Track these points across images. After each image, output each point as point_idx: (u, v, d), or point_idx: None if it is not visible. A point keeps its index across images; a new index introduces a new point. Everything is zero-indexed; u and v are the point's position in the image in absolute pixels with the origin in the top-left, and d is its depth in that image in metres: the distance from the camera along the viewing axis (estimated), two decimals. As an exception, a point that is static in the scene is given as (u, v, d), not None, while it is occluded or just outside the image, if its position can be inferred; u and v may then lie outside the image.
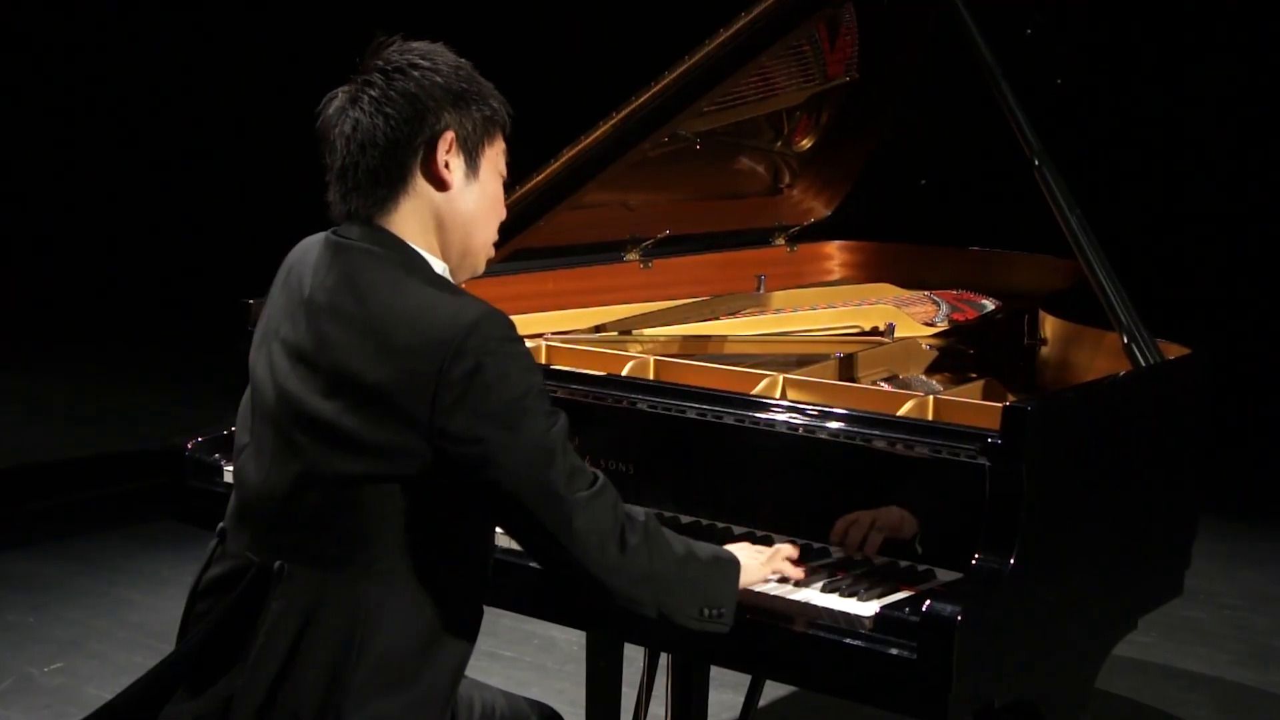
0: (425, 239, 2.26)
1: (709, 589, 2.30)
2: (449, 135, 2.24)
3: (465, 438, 2.11)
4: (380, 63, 2.25)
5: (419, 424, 2.11)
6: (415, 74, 2.24)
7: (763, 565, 2.43)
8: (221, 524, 2.34)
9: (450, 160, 2.25)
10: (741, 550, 2.41)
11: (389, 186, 2.24)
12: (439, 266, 2.28)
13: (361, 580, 2.17)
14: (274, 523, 2.22)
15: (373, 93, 2.23)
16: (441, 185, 2.25)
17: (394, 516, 2.16)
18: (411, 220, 2.25)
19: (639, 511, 2.26)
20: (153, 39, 9.96)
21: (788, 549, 2.49)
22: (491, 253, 2.37)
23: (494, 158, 2.31)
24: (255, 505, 2.25)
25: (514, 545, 2.58)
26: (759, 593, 2.41)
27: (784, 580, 2.44)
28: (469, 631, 2.28)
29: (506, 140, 2.34)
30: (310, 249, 2.31)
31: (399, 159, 2.23)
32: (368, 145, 2.22)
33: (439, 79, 2.25)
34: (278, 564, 2.19)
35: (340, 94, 2.27)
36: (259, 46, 9.62)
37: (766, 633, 2.38)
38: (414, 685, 2.20)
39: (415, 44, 2.28)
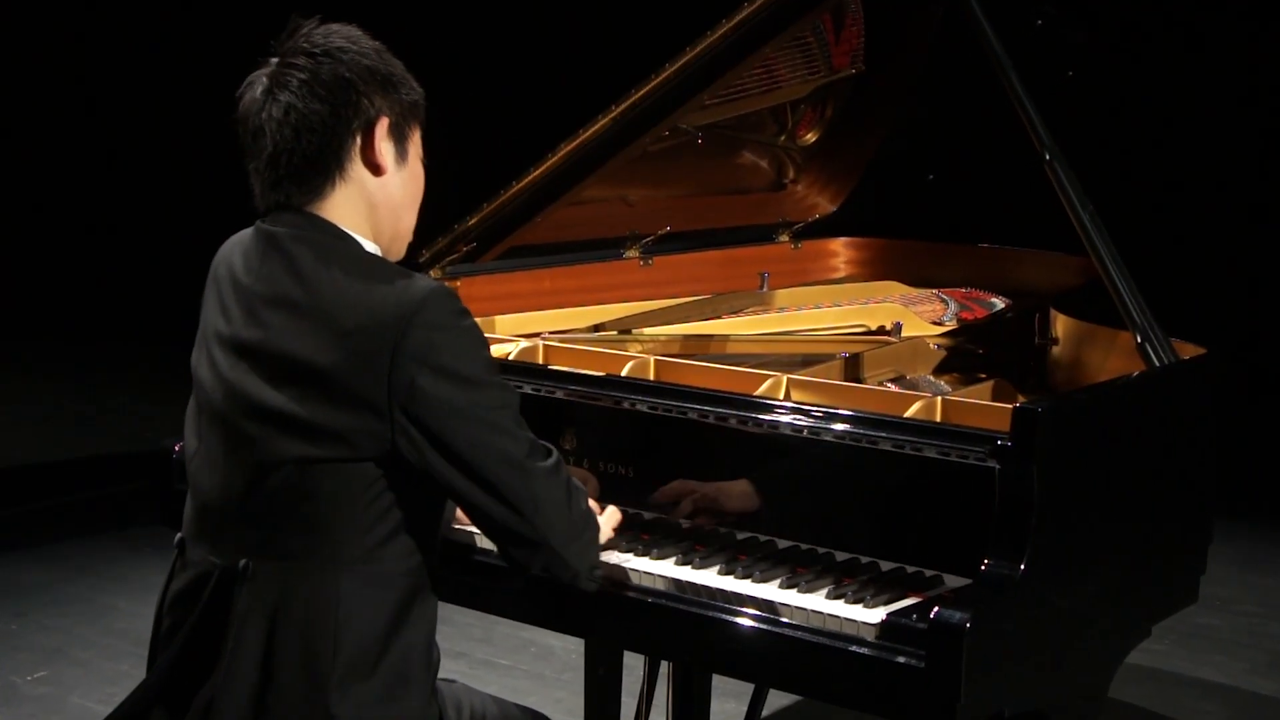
0: (357, 224, 2.30)
1: (596, 550, 2.39)
2: (384, 120, 2.29)
3: (424, 415, 2.17)
4: (305, 45, 2.27)
5: (376, 405, 2.16)
6: (344, 57, 2.27)
7: (606, 528, 2.53)
8: (179, 535, 2.36)
9: (383, 145, 2.29)
10: None
11: (324, 173, 2.27)
12: (372, 249, 2.31)
13: (329, 568, 2.21)
14: (234, 522, 2.25)
15: (301, 75, 2.25)
16: (377, 170, 2.29)
17: (354, 500, 2.20)
18: (344, 206, 2.29)
19: (575, 479, 2.36)
20: (151, 37, 9.97)
21: (618, 516, 2.59)
22: (410, 238, 2.41)
23: (418, 142, 2.37)
24: (214, 508, 2.28)
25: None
26: (764, 599, 2.41)
27: (790, 585, 2.44)
28: (431, 600, 2.33)
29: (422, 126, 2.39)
30: (237, 245, 2.34)
31: (336, 144, 2.26)
32: (303, 130, 2.24)
33: (367, 62, 2.28)
34: (243, 562, 2.22)
35: (262, 78, 2.28)
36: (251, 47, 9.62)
37: (770, 639, 2.38)
38: (391, 661, 2.24)
39: (334, 26, 2.31)
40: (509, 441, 2.23)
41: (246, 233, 2.34)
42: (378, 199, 2.31)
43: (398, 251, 2.38)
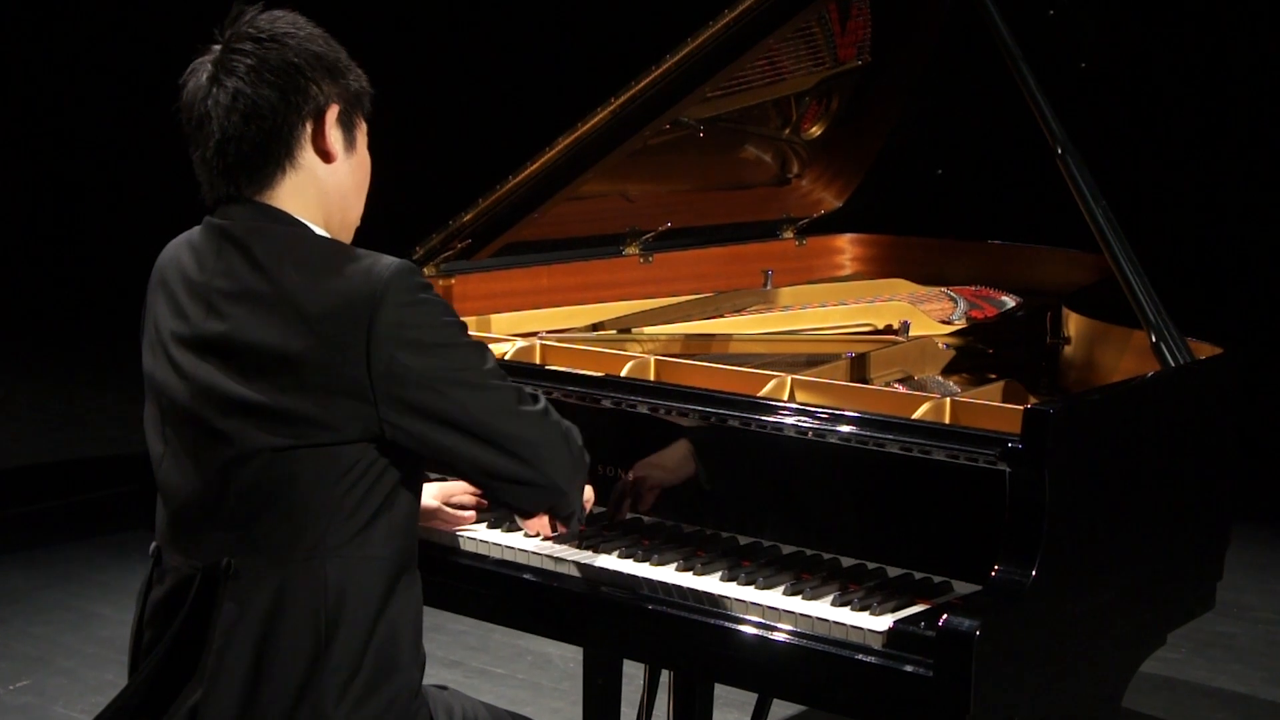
0: (308, 213, 2.31)
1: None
2: (334, 108, 2.31)
3: (410, 391, 2.21)
4: (251, 30, 2.28)
5: (358, 387, 2.19)
6: (291, 43, 2.28)
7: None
8: (154, 543, 2.37)
9: (332, 133, 2.31)
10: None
11: (274, 161, 2.28)
12: (323, 235, 2.32)
13: (314, 557, 2.22)
14: (212, 523, 2.25)
15: (248, 61, 2.26)
16: (327, 157, 2.31)
17: (335, 485, 2.21)
18: (294, 196, 2.30)
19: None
20: (121, 33, 9.98)
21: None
22: (358, 224, 2.43)
23: (364, 130, 2.39)
24: (189, 511, 2.29)
25: (503, 557, 2.59)
26: (767, 606, 2.42)
27: (794, 591, 2.44)
28: (416, 580, 2.35)
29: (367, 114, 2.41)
30: (183, 246, 2.36)
31: (286, 132, 2.27)
32: (252, 117, 2.25)
33: (314, 48, 2.30)
34: (224, 561, 2.23)
35: (207, 64, 2.29)
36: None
37: (774, 648, 2.39)
38: (378, 644, 2.25)
39: (278, 11, 2.33)
40: (497, 394, 2.28)
41: (192, 232, 2.36)
42: (328, 186, 2.32)
43: (345, 239, 2.40)
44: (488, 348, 2.32)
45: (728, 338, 3.40)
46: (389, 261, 2.23)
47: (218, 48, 2.29)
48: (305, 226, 2.29)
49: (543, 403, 2.35)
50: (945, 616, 2.23)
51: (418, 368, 2.20)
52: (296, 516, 2.21)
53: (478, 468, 2.30)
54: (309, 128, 2.29)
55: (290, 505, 2.21)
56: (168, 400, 2.31)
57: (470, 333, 2.30)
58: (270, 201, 2.29)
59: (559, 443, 2.34)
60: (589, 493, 2.55)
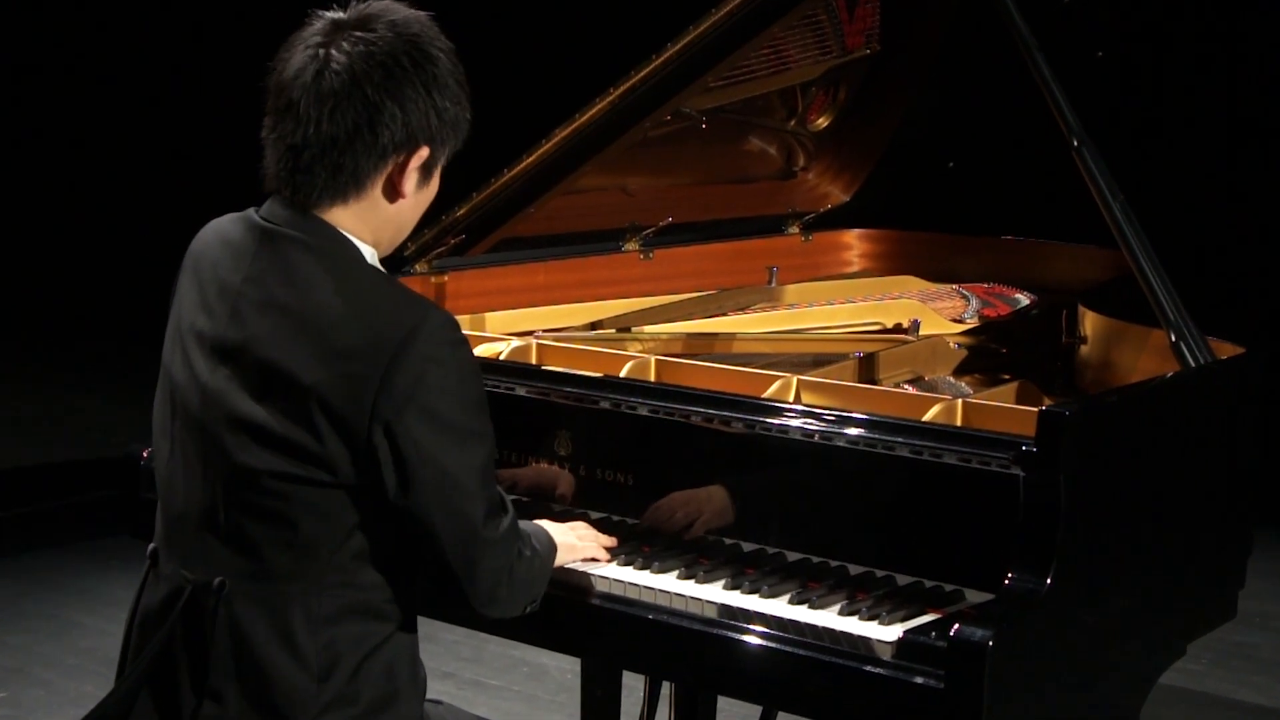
0: (359, 232, 2.27)
1: (539, 583, 2.40)
2: (423, 152, 2.25)
3: (397, 450, 2.17)
4: (374, 12, 2.21)
5: (355, 430, 2.15)
6: (406, 52, 2.20)
7: (570, 550, 2.54)
8: (152, 544, 2.35)
9: (411, 175, 2.26)
10: (553, 530, 2.50)
11: (340, 186, 2.23)
12: (370, 254, 2.29)
13: (310, 591, 2.20)
14: (209, 536, 2.23)
15: (358, 61, 2.18)
16: (396, 197, 2.27)
17: (335, 520, 2.19)
18: (350, 218, 2.25)
19: (525, 530, 2.36)
20: (108, 35, 9.99)
21: (603, 542, 2.60)
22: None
23: (445, 159, 2.33)
24: (187, 519, 2.26)
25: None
26: (772, 616, 2.41)
27: (800, 600, 2.44)
28: (414, 620, 2.34)
29: None
30: (223, 234, 2.30)
31: (364, 163, 2.22)
32: (340, 138, 2.20)
33: (436, 75, 2.23)
34: (217, 581, 2.21)
35: (316, 41, 2.21)
36: (246, 43, 9.64)
37: (778, 659, 2.39)
38: (373, 684, 2.24)
39: (411, 12, 2.25)
40: (469, 503, 2.22)
41: (232, 222, 2.30)
42: (389, 218, 2.28)
43: (390, 250, 2.36)
44: (490, 440, 2.26)
45: (731, 337, 3.40)
46: (426, 308, 2.19)
47: (332, 22, 2.22)
48: (353, 245, 2.25)
49: (508, 520, 2.29)
50: (957, 626, 2.23)
51: (414, 435, 2.16)
52: (297, 548, 2.19)
53: (419, 538, 2.26)
54: (390, 166, 2.23)
55: (291, 536, 2.19)
56: (180, 398, 2.27)
57: (485, 422, 2.25)
58: (325, 217, 2.24)
59: (499, 571, 2.28)
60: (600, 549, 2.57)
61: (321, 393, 2.14)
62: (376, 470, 2.17)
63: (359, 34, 2.21)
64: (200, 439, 2.24)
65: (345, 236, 2.24)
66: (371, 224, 2.27)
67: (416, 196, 2.29)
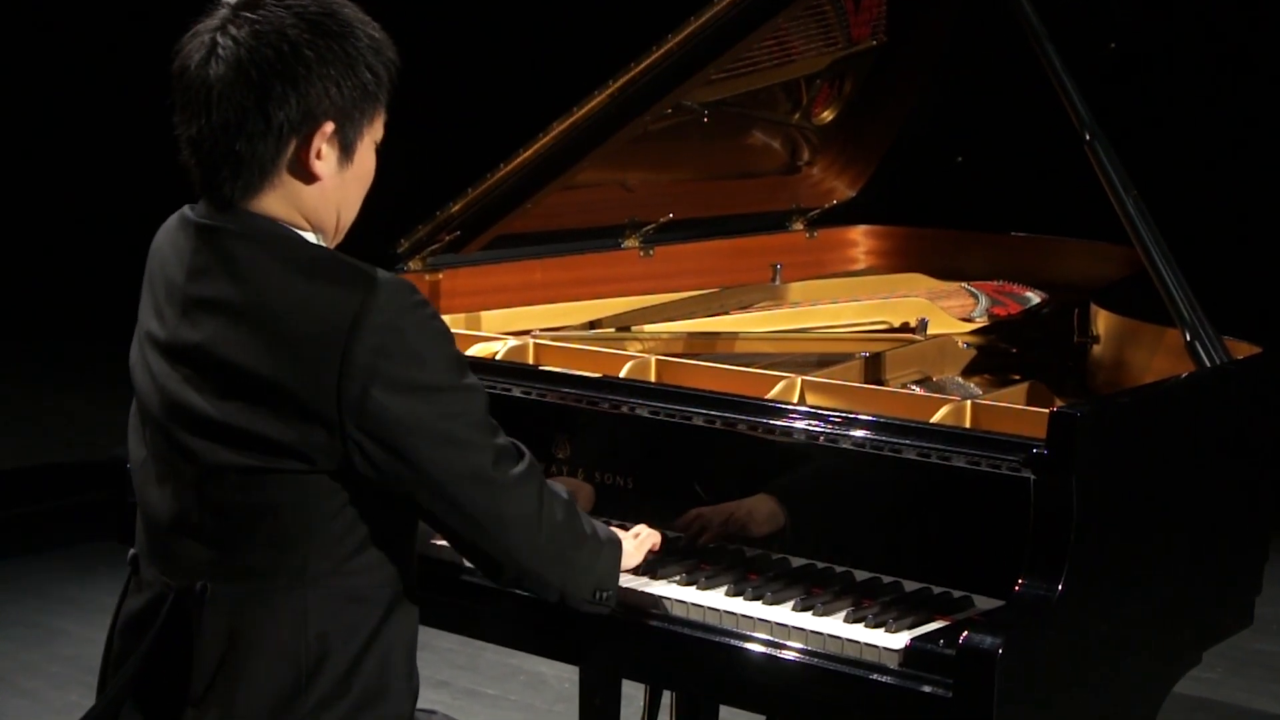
0: (291, 218, 2.25)
1: (603, 571, 2.40)
2: (327, 127, 2.21)
3: (379, 430, 2.15)
4: (265, 10, 2.19)
5: (326, 419, 2.14)
6: (309, 38, 2.17)
7: (635, 550, 2.53)
8: (132, 550, 2.36)
9: (324, 150, 2.23)
10: (616, 532, 2.50)
11: (248, 175, 2.20)
12: (314, 239, 2.27)
13: (295, 587, 2.20)
14: (187, 540, 2.24)
15: (247, 40, 2.15)
16: (311, 178, 2.23)
17: (317, 511, 2.19)
18: (276, 204, 2.23)
19: (556, 485, 2.35)
20: (89, 30, 10.00)
21: (655, 537, 2.59)
22: (351, 221, 2.35)
23: (372, 132, 2.29)
24: (164, 524, 2.27)
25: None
26: (776, 623, 2.42)
27: (805, 607, 2.44)
28: (410, 610, 2.32)
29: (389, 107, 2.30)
30: (170, 234, 2.30)
31: (261, 148, 2.19)
32: (231, 125, 2.17)
33: (333, 48, 2.19)
34: (199, 585, 2.21)
35: (208, 37, 2.18)
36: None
37: (783, 668, 2.39)
38: (365, 678, 2.24)
39: None
40: (473, 453, 2.21)
41: (176, 219, 2.30)
42: (315, 201, 2.25)
43: (340, 235, 2.33)
44: (478, 390, 2.24)
45: (733, 336, 3.41)
46: (377, 278, 2.16)
47: (229, 7, 2.21)
48: (292, 233, 2.23)
49: (524, 463, 2.27)
50: (966, 634, 2.23)
51: (390, 407, 2.14)
52: (276, 543, 2.19)
53: (438, 524, 2.27)
54: (292, 147, 2.21)
55: (270, 531, 2.19)
56: (146, 404, 2.29)
57: (466, 376, 2.22)
58: (251, 206, 2.22)
59: (530, 517, 2.27)
60: (635, 557, 2.53)
61: (282, 384, 2.14)
62: (360, 456, 2.16)
63: (249, 15, 2.19)
64: (167, 442, 2.25)
65: (278, 224, 2.23)
66: (300, 208, 2.24)
67: (341, 175, 2.25)
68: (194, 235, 2.24)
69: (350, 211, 2.31)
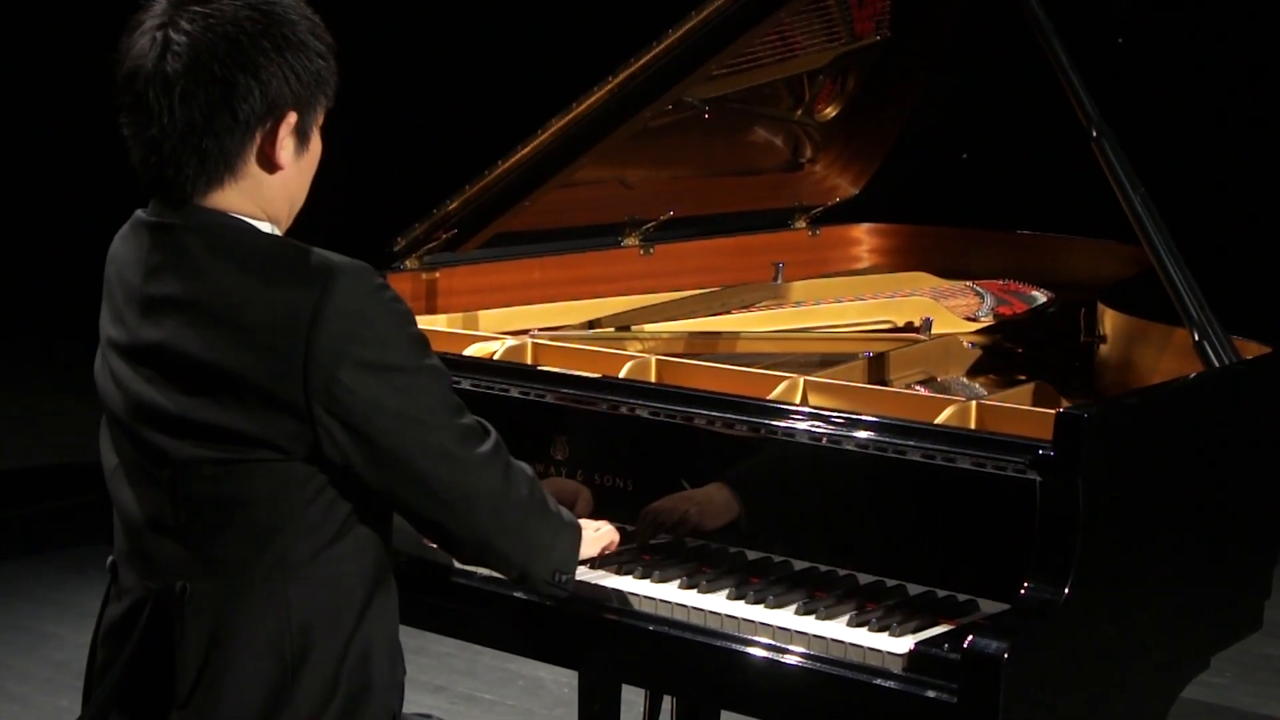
0: (249, 210, 2.26)
1: (563, 552, 2.41)
2: (290, 118, 2.23)
3: (346, 414, 2.17)
4: (213, 1, 2.18)
5: (294, 406, 2.16)
6: (263, 27, 2.18)
7: (591, 543, 2.55)
8: (111, 557, 2.37)
9: (285, 140, 2.24)
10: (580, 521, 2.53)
11: (213, 171, 2.21)
12: (269, 229, 2.28)
13: (275, 578, 2.22)
14: (163, 541, 2.25)
15: (198, 35, 2.15)
16: (274, 168, 2.25)
17: (293, 499, 2.20)
18: (235, 198, 2.25)
19: (522, 464, 2.37)
20: (75, 26, 10.01)
21: (614, 535, 2.61)
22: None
23: (320, 118, 2.32)
24: (139, 528, 2.28)
25: (494, 574, 2.60)
26: (778, 627, 2.42)
27: (807, 611, 2.44)
28: (391, 595, 2.34)
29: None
30: (124, 240, 2.32)
31: (229, 143, 2.20)
32: (198, 122, 2.18)
33: (286, 36, 2.20)
34: (179, 585, 2.22)
35: (154, 33, 2.18)
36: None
37: (785, 672, 2.39)
38: (350, 667, 2.25)
39: None
40: (439, 432, 2.24)
41: (129, 225, 2.32)
42: (274, 191, 2.26)
43: (289, 224, 2.35)
44: (442, 370, 2.28)
45: (735, 336, 3.41)
46: (336, 264, 2.18)
47: (164, 1, 2.20)
48: (246, 224, 2.24)
49: (490, 441, 2.31)
50: (970, 638, 2.23)
51: (357, 389, 2.17)
52: (253, 535, 2.21)
53: (404, 506, 2.29)
54: (258, 139, 2.22)
55: (246, 522, 2.20)
56: (112, 411, 2.31)
57: (429, 357, 2.25)
58: (207, 203, 2.23)
59: (496, 493, 2.30)
60: (593, 547, 2.56)
61: (246, 375, 2.16)
62: (329, 441, 2.18)
63: (197, 8, 2.19)
64: (136, 445, 2.26)
65: (234, 217, 2.24)
66: (258, 200, 2.26)
67: (298, 164, 2.28)
68: (148, 235, 2.26)
69: (301, 197, 2.34)
